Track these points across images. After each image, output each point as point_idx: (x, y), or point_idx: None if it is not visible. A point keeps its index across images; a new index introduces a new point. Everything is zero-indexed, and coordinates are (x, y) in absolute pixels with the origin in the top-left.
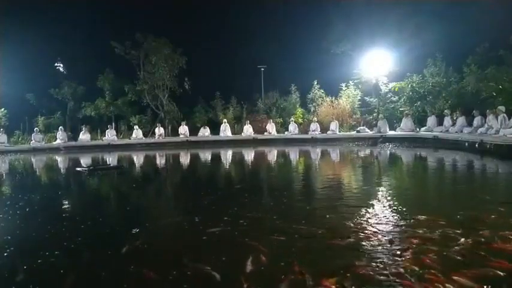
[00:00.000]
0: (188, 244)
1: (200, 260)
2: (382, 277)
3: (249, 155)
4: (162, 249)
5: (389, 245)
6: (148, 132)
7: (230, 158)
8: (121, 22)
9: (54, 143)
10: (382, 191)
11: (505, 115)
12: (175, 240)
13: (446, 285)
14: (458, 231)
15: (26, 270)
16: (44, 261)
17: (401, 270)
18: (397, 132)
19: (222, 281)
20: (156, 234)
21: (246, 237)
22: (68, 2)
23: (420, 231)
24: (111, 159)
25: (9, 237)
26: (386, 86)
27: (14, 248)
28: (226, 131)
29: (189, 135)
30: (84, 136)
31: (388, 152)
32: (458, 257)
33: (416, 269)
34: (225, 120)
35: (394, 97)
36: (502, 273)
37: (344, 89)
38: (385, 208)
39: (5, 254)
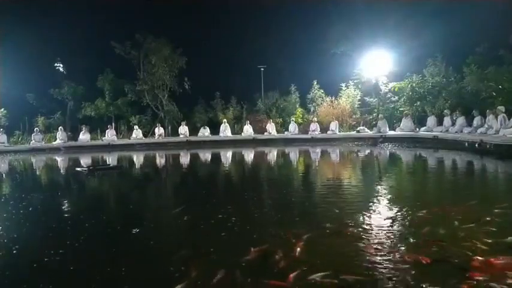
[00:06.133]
0: (185, 242)
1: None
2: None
3: (249, 155)
4: (162, 248)
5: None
6: (148, 132)
7: (230, 158)
8: (121, 22)
9: (54, 143)
10: (382, 192)
11: (504, 115)
12: (174, 239)
13: None
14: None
15: (34, 268)
16: (51, 260)
17: None
18: (397, 132)
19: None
20: (156, 234)
21: (236, 234)
22: (68, 2)
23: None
24: (111, 159)
25: (15, 236)
26: (386, 86)
27: (20, 246)
28: (226, 131)
29: (189, 135)
30: (84, 136)
31: (388, 152)
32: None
33: None
34: (225, 120)
35: (394, 97)
36: None
37: (344, 89)
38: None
39: (14, 252)
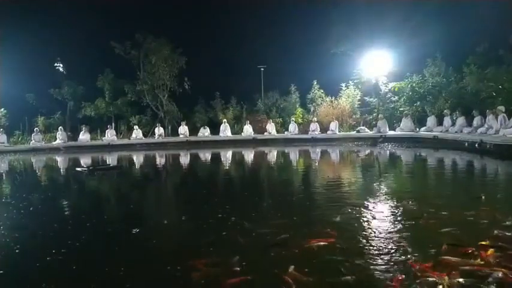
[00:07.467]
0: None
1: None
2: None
3: (249, 155)
4: (162, 248)
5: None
6: (148, 132)
7: (230, 158)
8: (121, 22)
9: (54, 143)
10: (383, 192)
11: (504, 115)
12: (174, 239)
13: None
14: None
15: (36, 268)
16: (52, 259)
17: None
18: (397, 132)
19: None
20: (156, 234)
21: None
22: (68, 2)
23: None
24: (111, 159)
25: (16, 235)
26: (386, 86)
27: (21, 246)
28: (226, 131)
29: (189, 135)
30: (84, 136)
31: (388, 152)
32: None
33: None
34: (224, 120)
35: (394, 97)
36: None
37: (344, 89)
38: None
39: (16, 252)
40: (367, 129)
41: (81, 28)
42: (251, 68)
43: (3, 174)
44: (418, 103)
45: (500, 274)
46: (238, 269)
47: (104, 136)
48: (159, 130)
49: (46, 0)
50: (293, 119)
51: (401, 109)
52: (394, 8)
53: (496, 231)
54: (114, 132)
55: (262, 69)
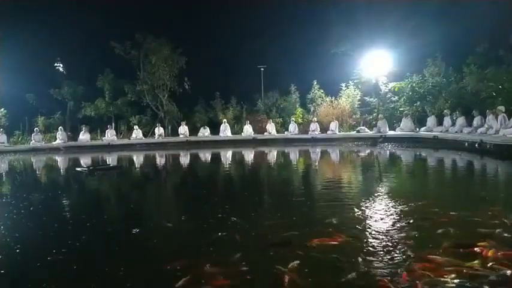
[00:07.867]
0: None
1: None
2: None
3: (249, 155)
4: (162, 248)
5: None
6: (148, 132)
7: (230, 158)
8: (121, 22)
9: (54, 143)
10: (384, 192)
11: (504, 115)
12: (174, 239)
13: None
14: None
15: (36, 268)
16: (53, 259)
17: None
18: (397, 132)
19: None
20: (156, 234)
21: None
22: (68, 2)
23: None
24: (111, 159)
25: (17, 235)
26: (386, 86)
27: (22, 245)
28: (226, 131)
29: (189, 135)
30: (84, 136)
31: (388, 152)
32: None
33: None
34: (224, 120)
35: (394, 97)
36: None
37: (344, 89)
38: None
39: (17, 251)
40: (367, 129)
41: (81, 28)
42: (251, 68)
43: (3, 174)
44: (418, 103)
45: (500, 274)
46: (238, 269)
47: (104, 136)
48: (159, 130)
49: (46, 0)
50: (293, 119)
51: (401, 109)
52: (394, 8)
53: (497, 231)
54: (114, 132)
55: (262, 69)
